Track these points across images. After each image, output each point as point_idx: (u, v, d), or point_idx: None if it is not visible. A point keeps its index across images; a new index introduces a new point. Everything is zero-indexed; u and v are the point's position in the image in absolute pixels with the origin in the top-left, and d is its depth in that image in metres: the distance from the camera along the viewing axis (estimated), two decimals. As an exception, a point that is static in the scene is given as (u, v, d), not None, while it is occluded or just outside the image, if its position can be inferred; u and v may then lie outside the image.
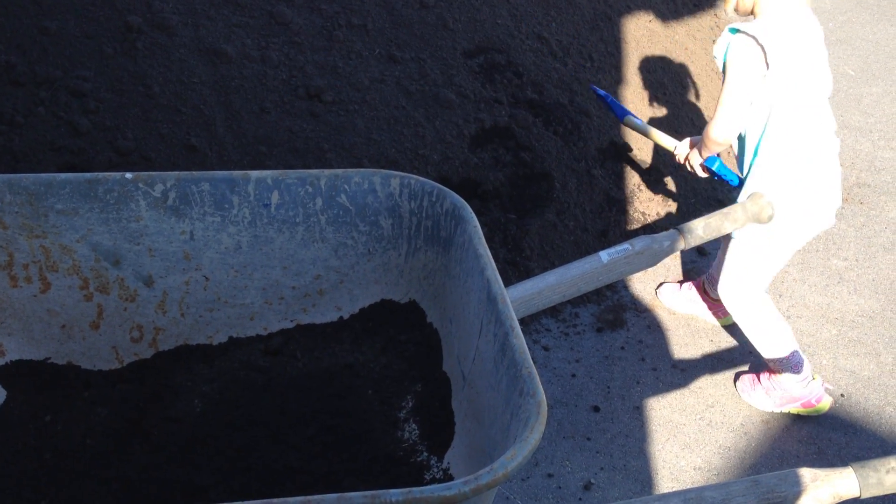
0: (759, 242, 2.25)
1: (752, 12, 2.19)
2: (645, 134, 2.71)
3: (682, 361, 2.57)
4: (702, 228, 2.16)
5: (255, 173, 1.62)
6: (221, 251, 1.64)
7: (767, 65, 2.05)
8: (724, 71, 2.15)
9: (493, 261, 1.48)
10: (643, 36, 3.93)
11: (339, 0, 3.13)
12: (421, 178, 1.70)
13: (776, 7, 2.11)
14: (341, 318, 1.72)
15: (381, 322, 1.71)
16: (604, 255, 2.07)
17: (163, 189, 1.55)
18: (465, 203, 1.65)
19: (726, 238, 2.38)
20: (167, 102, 2.47)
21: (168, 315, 1.64)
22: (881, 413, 2.42)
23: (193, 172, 1.59)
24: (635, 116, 2.75)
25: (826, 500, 1.45)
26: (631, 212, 3.03)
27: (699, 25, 4.52)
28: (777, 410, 2.40)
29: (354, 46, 3.00)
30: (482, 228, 2.70)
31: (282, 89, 2.64)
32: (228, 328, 1.67)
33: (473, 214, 1.62)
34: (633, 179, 3.14)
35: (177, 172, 1.55)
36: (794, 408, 2.38)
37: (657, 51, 3.88)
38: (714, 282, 2.55)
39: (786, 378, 2.34)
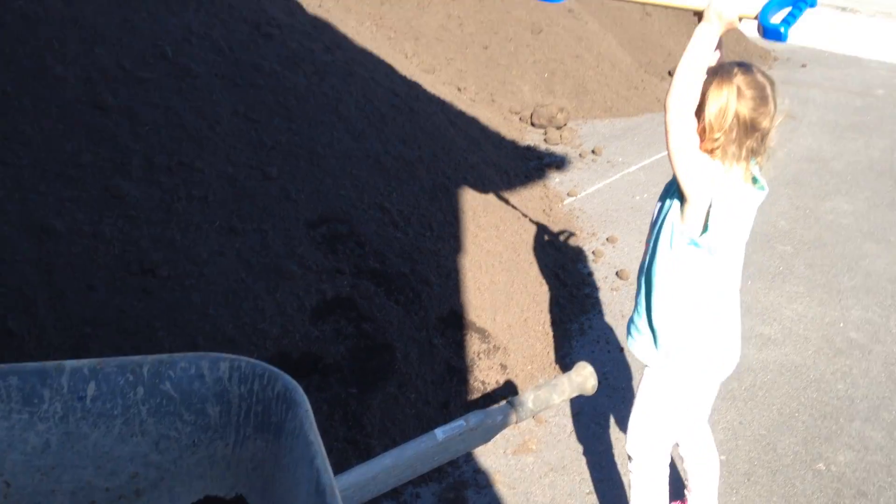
0: (663, 386, 2.22)
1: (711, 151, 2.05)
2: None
3: (523, 534, 2.57)
4: (531, 401, 2.23)
5: (70, 363, 1.55)
6: (27, 452, 1.52)
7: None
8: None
9: (323, 449, 1.45)
10: (479, 206, 4.17)
11: (180, 173, 3.15)
12: (252, 361, 1.67)
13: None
14: (160, 519, 1.62)
15: (203, 521, 1.62)
16: (439, 432, 2.08)
17: (-37, 388, 1.44)
18: (297, 385, 1.63)
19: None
20: (-16, 281, 2.34)
21: (-40, 527, 1.49)
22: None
23: (1, 366, 1.50)
24: None
25: None
26: (471, 381, 3.10)
27: (530, 195, 4.86)
28: None
29: (193, 219, 2.99)
30: (322, 406, 2.67)
31: (113, 265, 2.57)
32: (32, 538, 1.53)
33: (305, 397, 1.60)
34: (473, 347, 3.23)
35: (-19, 370, 1.46)
36: None
37: (493, 220, 4.12)
38: None
39: None
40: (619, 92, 7.51)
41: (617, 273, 4.22)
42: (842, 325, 3.97)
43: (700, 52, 1.95)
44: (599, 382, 2.42)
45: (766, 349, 3.69)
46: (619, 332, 3.70)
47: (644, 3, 2.45)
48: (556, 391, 2.32)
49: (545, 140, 6.25)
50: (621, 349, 3.55)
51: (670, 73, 8.92)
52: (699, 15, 2.00)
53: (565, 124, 6.56)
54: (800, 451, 3.00)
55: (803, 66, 10.15)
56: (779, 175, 6.09)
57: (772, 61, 10.19)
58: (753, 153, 2.07)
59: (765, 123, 2.04)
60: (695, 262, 2.10)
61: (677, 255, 2.12)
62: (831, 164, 6.46)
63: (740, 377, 3.43)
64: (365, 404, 2.70)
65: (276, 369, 1.68)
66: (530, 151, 5.90)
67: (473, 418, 2.18)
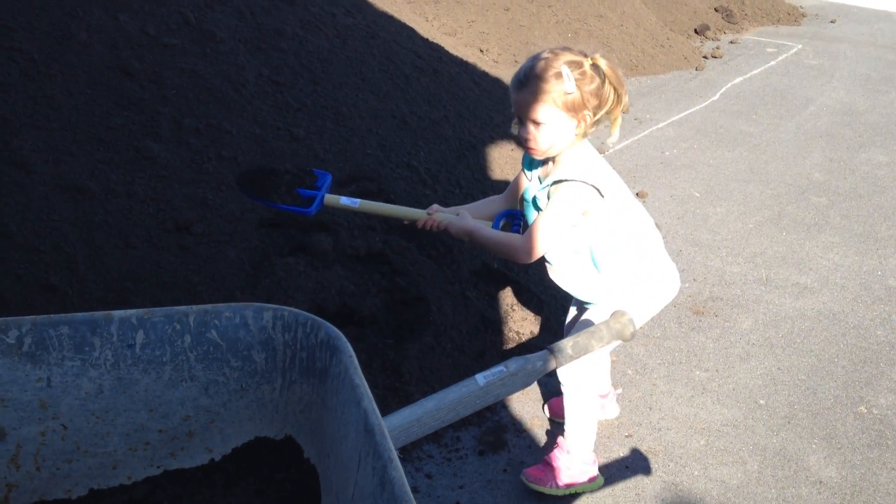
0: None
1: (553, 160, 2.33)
2: (378, 213, 2.59)
3: (564, 479, 2.57)
4: (571, 348, 2.22)
5: (118, 313, 1.56)
6: (81, 397, 1.55)
7: (602, 195, 2.21)
8: (549, 204, 2.26)
9: (369, 391, 1.46)
10: (507, 163, 4.14)
11: (208, 134, 3.15)
12: (294, 310, 1.68)
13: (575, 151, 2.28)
14: (212, 460, 1.64)
15: (255, 462, 1.64)
16: (480, 377, 2.08)
17: (17, 335, 1.46)
18: (340, 333, 1.64)
19: (580, 312, 2.50)
20: (25, 241, 2.36)
21: (22, 469, 1.52)
22: (754, 518, 2.49)
23: (52, 316, 1.51)
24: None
25: None
26: (506, 332, 3.10)
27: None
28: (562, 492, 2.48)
29: (224, 178, 3.00)
30: (360, 355, 2.69)
31: (148, 223, 2.59)
32: (88, 479, 1.56)
33: (348, 344, 1.61)
34: (507, 300, 3.23)
35: (33, 317, 1.48)
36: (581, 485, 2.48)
37: (521, 177, 4.09)
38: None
39: (576, 456, 2.46)
40: (645, 50, 7.41)
41: (648, 226, 4.19)
42: (880, 273, 3.92)
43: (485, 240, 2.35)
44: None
45: (802, 298, 3.65)
46: (652, 284, 3.68)
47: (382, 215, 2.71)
48: (594, 338, 2.30)
49: (570, 99, 6.18)
50: (655, 300, 3.54)
51: (696, 31, 8.78)
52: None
53: (590, 83, 6.48)
54: (840, 395, 2.98)
55: (832, 21, 9.94)
56: (811, 128, 6.00)
57: (800, 17, 9.99)
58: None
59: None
60: None
61: None
62: (865, 116, 6.34)
63: (777, 325, 3.41)
64: (402, 354, 2.71)
65: (318, 318, 1.69)
66: (555, 110, 5.83)
67: (513, 364, 2.17)
